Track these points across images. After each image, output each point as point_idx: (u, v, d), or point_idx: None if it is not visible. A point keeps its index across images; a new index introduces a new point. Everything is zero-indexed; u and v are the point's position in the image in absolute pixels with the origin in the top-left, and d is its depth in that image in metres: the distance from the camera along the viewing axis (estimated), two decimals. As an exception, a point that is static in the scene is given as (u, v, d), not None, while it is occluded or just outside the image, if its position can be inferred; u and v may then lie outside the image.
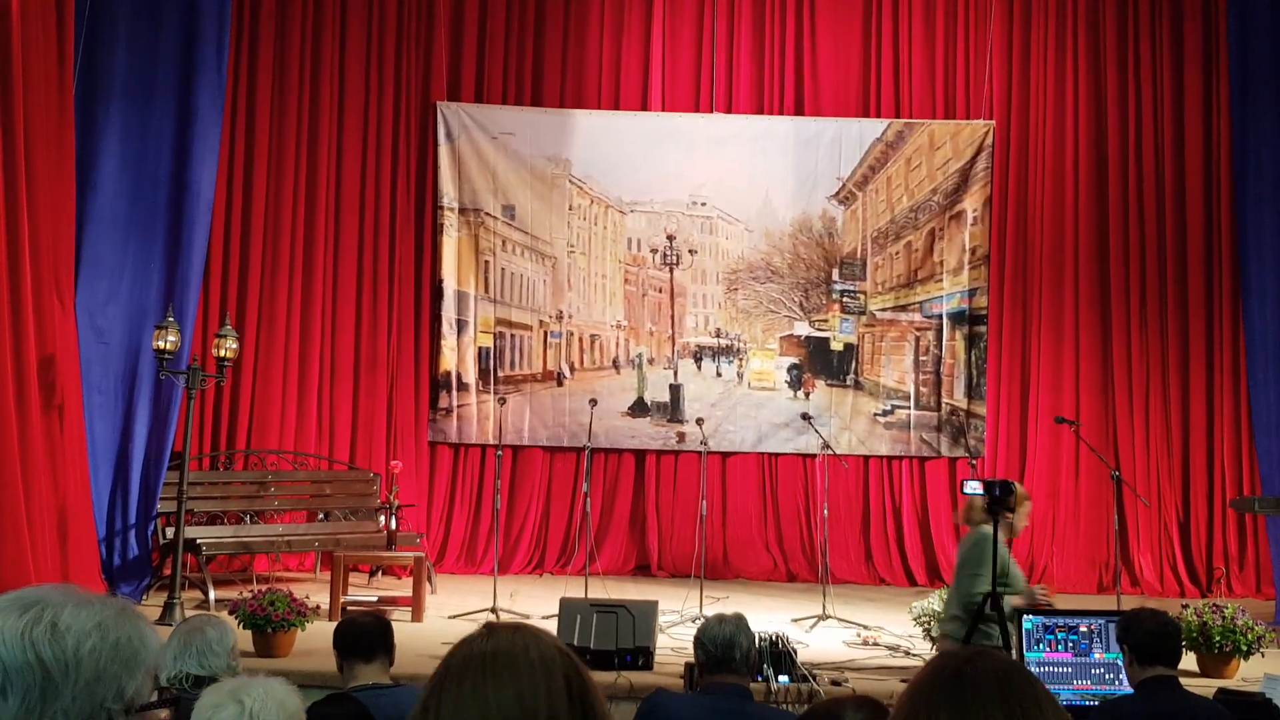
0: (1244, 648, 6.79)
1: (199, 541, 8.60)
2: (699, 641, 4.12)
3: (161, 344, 8.15)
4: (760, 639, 6.20)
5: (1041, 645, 5.08)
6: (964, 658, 1.60)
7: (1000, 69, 11.17)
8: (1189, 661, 6.56)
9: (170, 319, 8.29)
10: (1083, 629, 5.09)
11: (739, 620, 4.14)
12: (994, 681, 1.54)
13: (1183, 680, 4.15)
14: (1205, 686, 5.61)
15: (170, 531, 8.48)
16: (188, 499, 8.25)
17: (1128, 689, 4.23)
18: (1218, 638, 6.78)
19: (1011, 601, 5.30)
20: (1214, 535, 10.60)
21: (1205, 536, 10.62)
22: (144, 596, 8.57)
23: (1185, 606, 7.13)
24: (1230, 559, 10.50)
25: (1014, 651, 5.10)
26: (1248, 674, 6.71)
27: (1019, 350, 11.07)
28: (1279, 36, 9.61)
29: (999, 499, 5.95)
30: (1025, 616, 5.18)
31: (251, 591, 7.08)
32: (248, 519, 9.43)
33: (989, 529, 5.43)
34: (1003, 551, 5.43)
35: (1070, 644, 5.07)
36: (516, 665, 1.45)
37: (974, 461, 10.47)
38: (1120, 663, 4.66)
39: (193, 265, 9.05)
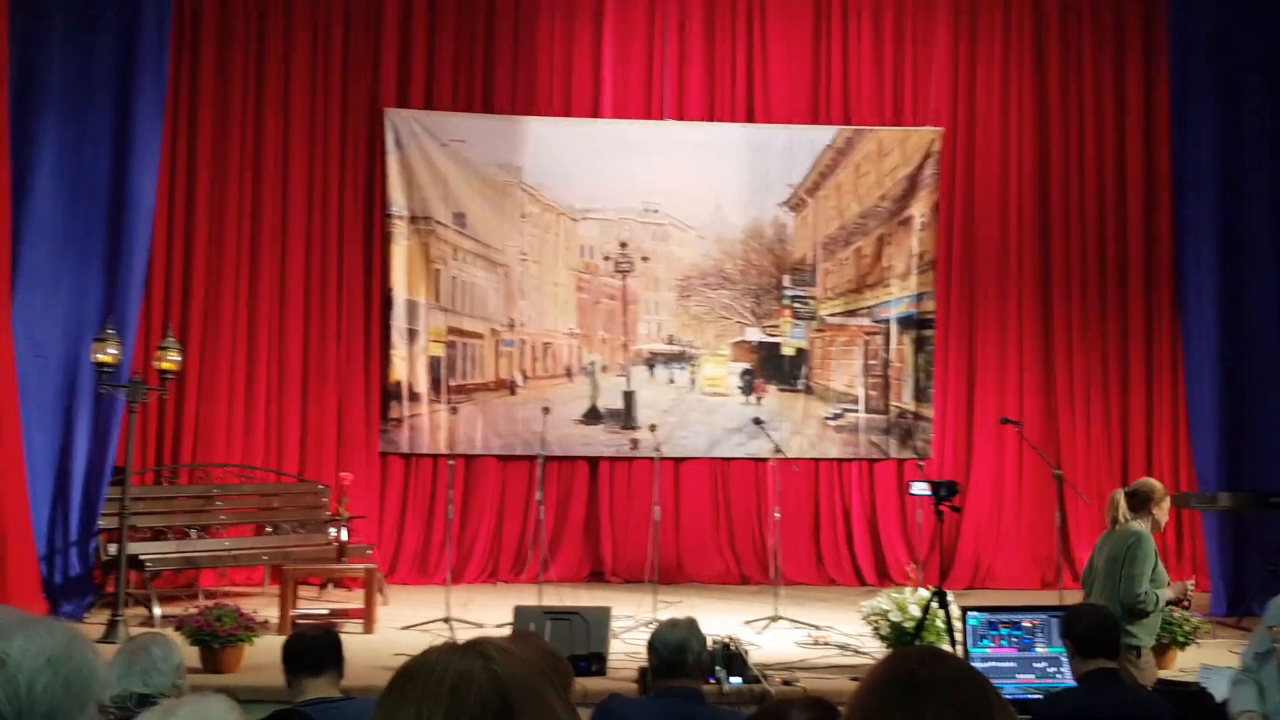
0: (1181, 639, 6.97)
1: (143, 558, 8.48)
2: (651, 646, 4.14)
3: (101, 357, 8.01)
4: (713, 642, 6.21)
5: (986, 640, 5.14)
6: (916, 659, 1.60)
7: (947, 77, 11.28)
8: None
9: (110, 331, 8.15)
10: (1026, 624, 5.15)
11: (690, 624, 4.16)
12: (947, 685, 1.54)
13: (1124, 672, 4.22)
14: (1146, 678, 5.69)
15: (113, 548, 8.32)
16: (130, 514, 8.14)
17: (1070, 682, 4.27)
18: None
19: (1164, 595, 5.29)
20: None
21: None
22: (87, 614, 8.43)
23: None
24: (1168, 553, 10.64)
25: (958, 648, 5.14)
26: (1185, 664, 6.87)
27: (965, 353, 11.18)
28: (1218, 43, 9.81)
29: (946, 498, 6.01)
30: (969, 613, 5.23)
31: (198, 607, 6.98)
32: (193, 534, 9.29)
33: (1138, 526, 5.39)
34: (1153, 547, 5.36)
35: (1014, 639, 5.13)
36: (425, 686, 1.41)
37: (921, 463, 10.54)
38: (1063, 656, 4.72)
39: (133, 276, 8.90)
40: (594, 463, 11.07)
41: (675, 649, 4.07)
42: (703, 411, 11.18)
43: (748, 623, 8.36)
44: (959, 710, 1.51)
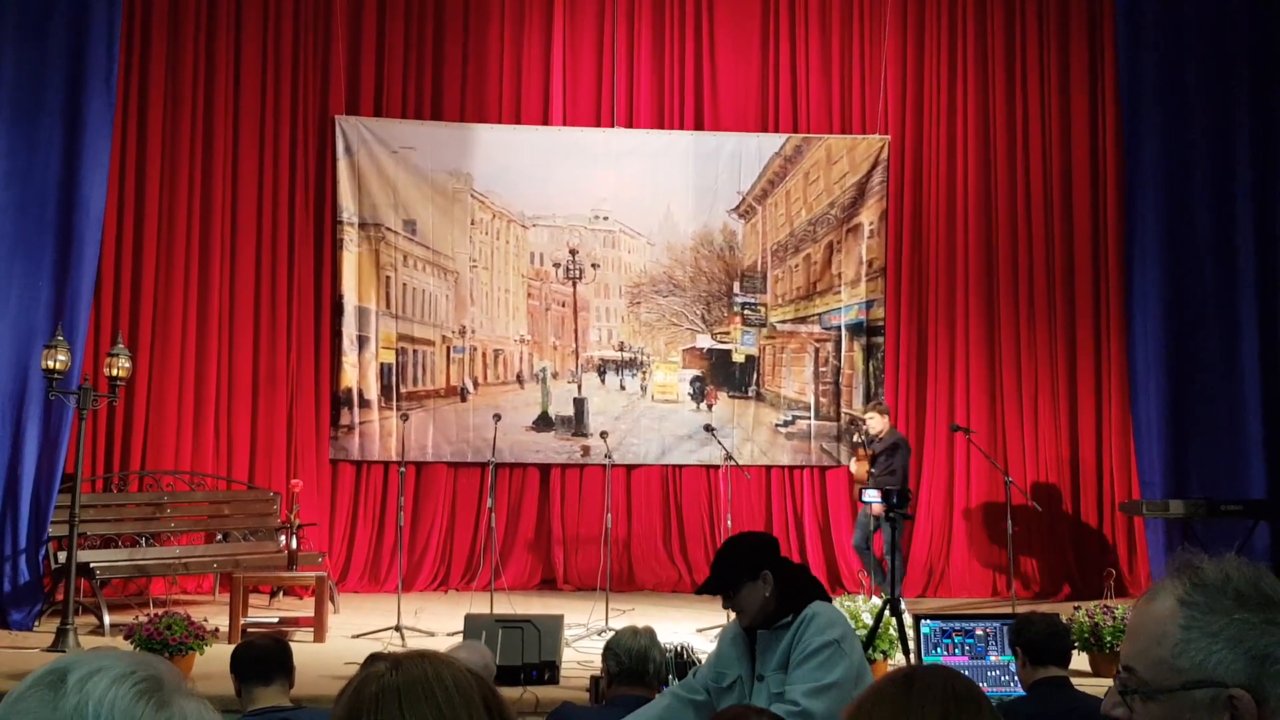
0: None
1: (92, 565, 8.39)
2: (612, 652, 4.15)
3: (51, 363, 7.90)
4: (665, 650, 6.23)
5: (939, 649, 5.21)
6: (917, 668, 1.66)
7: (894, 85, 11.40)
8: (1081, 662, 6.73)
9: (60, 337, 8.05)
10: (979, 632, 5.23)
11: (652, 634, 4.20)
12: (941, 681, 1.60)
13: (1076, 680, 4.28)
14: (1098, 686, 5.78)
15: (62, 556, 8.25)
16: (80, 522, 8.04)
17: (1023, 691, 4.35)
18: (1109, 638, 6.94)
19: None
20: (1103, 537, 10.91)
21: (1095, 539, 10.93)
22: (36, 623, 8.31)
23: (1077, 608, 7.32)
24: (1120, 560, 10.80)
25: (912, 656, 5.22)
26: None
27: (915, 360, 11.29)
28: (1166, 53, 9.93)
29: (896, 506, 6.09)
30: (923, 621, 5.31)
31: (148, 615, 6.92)
32: (143, 541, 9.20)
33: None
34: None
35: (966, 647, 5.21)
36: (433, 693, 1.45)
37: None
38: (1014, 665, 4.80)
39: (83, 282, 8.80)
40: (545, 470, 11.07)
41: (638, 657, 4.11)
42: (654, 418, 11.21)
43: (700, 631, 8.39)
44: (944, 705, 1.56)
